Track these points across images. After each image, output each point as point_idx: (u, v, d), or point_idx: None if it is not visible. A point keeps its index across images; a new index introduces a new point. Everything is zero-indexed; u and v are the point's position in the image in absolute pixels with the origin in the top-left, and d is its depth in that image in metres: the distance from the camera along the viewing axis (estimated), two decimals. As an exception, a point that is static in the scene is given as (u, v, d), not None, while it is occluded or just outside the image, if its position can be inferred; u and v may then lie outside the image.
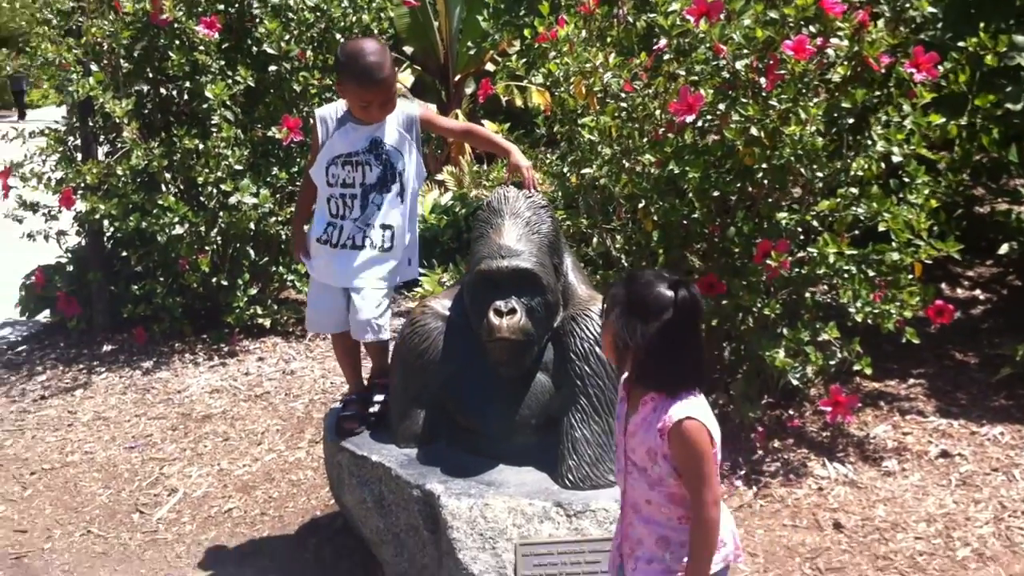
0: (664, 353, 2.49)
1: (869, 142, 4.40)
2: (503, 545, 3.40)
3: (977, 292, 6.45)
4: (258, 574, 4.07)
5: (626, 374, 2.65)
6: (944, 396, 5.13)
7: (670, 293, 2.47)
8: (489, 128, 9.91)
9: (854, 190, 4.46)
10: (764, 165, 4.35)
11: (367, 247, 3.83)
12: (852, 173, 4.41)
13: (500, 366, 3.63)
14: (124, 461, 5.09)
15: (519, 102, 9.65)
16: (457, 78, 10.15)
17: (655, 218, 4.66)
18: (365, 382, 4.13)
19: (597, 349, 3.60)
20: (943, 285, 6.41)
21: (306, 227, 4.11)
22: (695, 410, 2.48)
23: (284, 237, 6.77)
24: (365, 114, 3.81)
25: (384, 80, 3.74)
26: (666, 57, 4.58)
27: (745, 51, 4.28)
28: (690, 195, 4.54)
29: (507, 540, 3.41)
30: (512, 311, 3.51)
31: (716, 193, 4.50)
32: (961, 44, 4.66)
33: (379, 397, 4.00)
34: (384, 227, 3.86)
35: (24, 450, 5.29)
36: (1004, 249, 6.26)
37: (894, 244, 4.37)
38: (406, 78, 10.46)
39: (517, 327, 3.50)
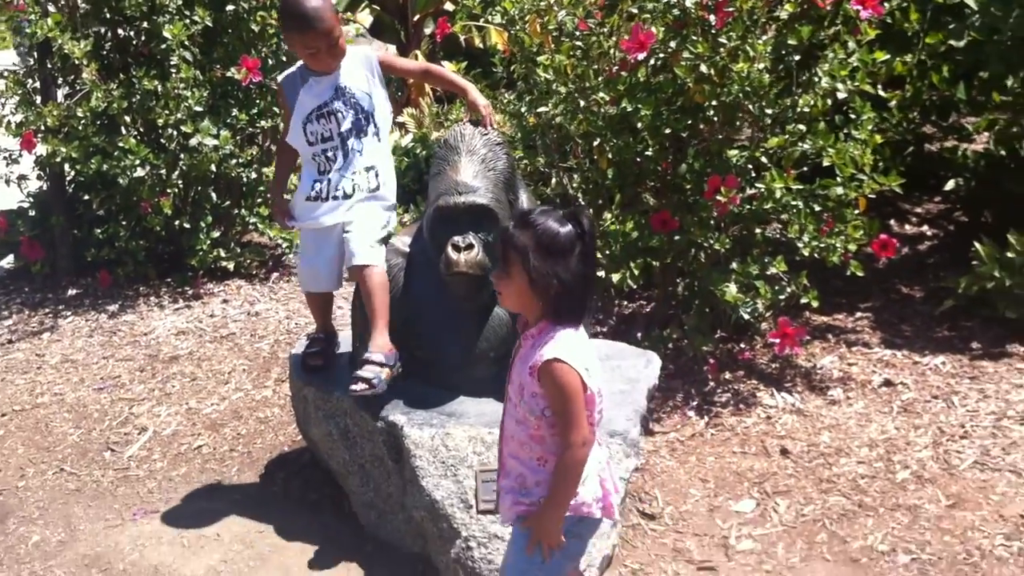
0: (581, 286, 2.57)
1: (815, 79, 4.51)
2: (464, 472, 3.54)
3: (925, 228, 6.62)
4: (228, 507, 4.17)
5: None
6: (889, 328, 5.30)
7: (572, 227, 2.52)
8: (448, 69, 9.94)
9: (802, 127, 4.58)
10: (714, 102, 4.45)
11: (355, 192, 3.90)
12: (799, 110, 4.51)
13: (459, 300, 3.75)
14: (93, 402, 5.18)
15: (478, 42, 9.66)
16: (416, 18, 10.11)
17: (609, 156, 4.76)
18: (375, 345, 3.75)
19: (552, 283, 3.71)
20: (891, 221, 6.58)
21: (287, 195, 4.15)
22: (568, 350, 2.52)
23: (245, 180, 6.82)
24: (316, 62, 3.86)
25: (323, 24, 3.76)
26: (617, -5, 4.66)
27: (695, -11, 4.37)
28: (643, 133, 4.63)
29: (468, 467, 3.55)
30: (470, 246, 3.62)
31: (668, 131, 4.60)
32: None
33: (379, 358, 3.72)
34: (368, 169, 3.93)
35: (-7, 392, 5.38)
36: (950, 185, 6.45)
37: (839, 179, 4.50)
38: (365, 18, 10.41)
39: (475, 261, 3.61)
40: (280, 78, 4.04)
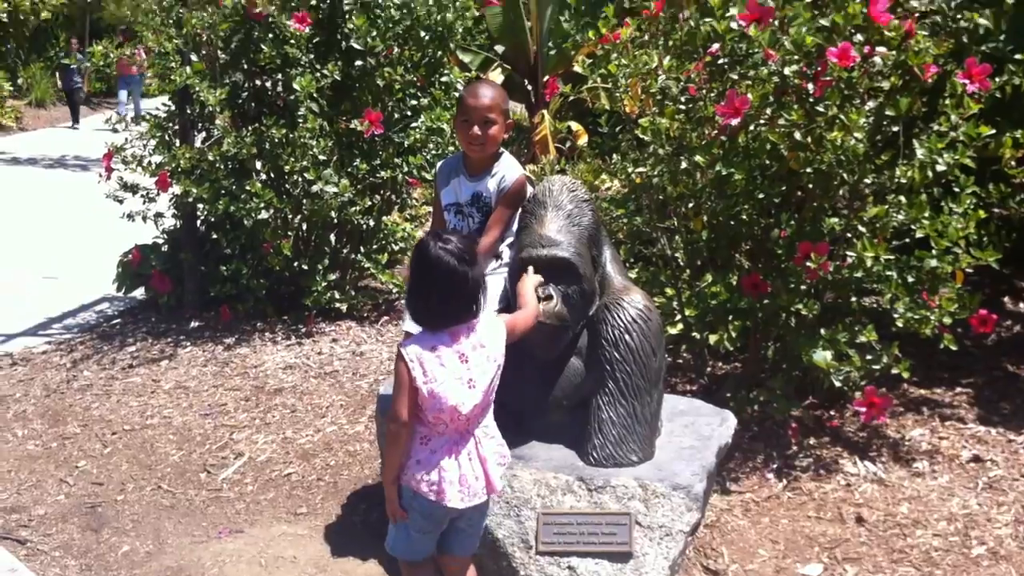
0: (424, 299, 3.24)
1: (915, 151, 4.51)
2: (527, 513, 3.64)
3: (1040, 308, 6.46)
4: (309, 533, 4.36)
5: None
6: (987, 405, 5.18)
7: (436, 251, 3.19)
8: (577, 130, 10.13)
9: (901, 198, 4.57)
10: (808, 170, 4.48)
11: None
12: (896, 180, 4.51)
13: (536, 349, 3.86)
14: (198, 426, 5.46)
15: (604, 103, 9.86)
16: (546, 78, 10.39)
17: (705, 218, 4.83)
18: None
19: (627, 337, 3.81)
20: (1005, 298, 6.43)
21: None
22: (410, 345, 3.20)
23: (364, 227, 7.11)
24: (467, 141, 4.04)
25: (480, 99, 3.97)
26: (720, 61, 4.74)
27: (795, 57, 4.43)
28: (737, 196, 4.69)
29: (531, 509, 3.64)
30: (549, 297, 3.74)
31: (761, 195, 4.64)
32: (1019, 57, 4.75)
33: None
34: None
35: (108, 412, 5.70)
36: (1069, 265, 6.27)
37: (933, 252, 4.47)
38: (496, 76, 10.74)
39: (553, 312, 3.73)
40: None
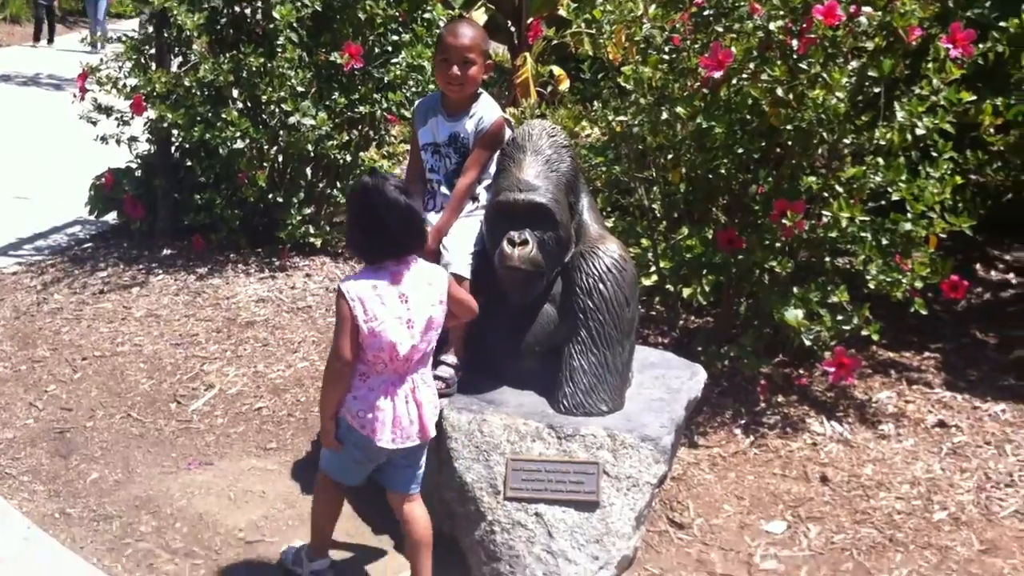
0: (363, 235, 3.33)
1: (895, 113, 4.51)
2: (496, 459, 3.66)
3: (1011, 276, 6.51)
4: (278, 468, 4.38)
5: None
6: (954, 371, 5.25)
7: (368, 189, 3.28)
8: (559, 75, 10.06)
9: (880, 159, 4.58)
10: (789, 127, 4.48)
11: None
12: (876, 142, 4.51)
13: (510, 293, 3.86)
14: (169, 356, 5.44)
15: (588, 49, 9.78)
16: (530, 20, 10.27)
17: (683, 170, 4.83)
18: (452, 350, 3.95)
19: (601, 286, 3.82)
20: (977, 265, 6.49)
21: None
22: (351, 281, 3.29)
23: (341, 161, 7.05)
24: (445, 81, 4.00)
25: (460, 39, 3.94)
26: (706, 13, 4.70)
27: (780, 12, 4.40)
28: (716, 151, 4.69)
29: (500, 454, 3.67)
30: (524, 242, 3.74)
31: (740, 150, 4.64)
32: (1003, 24, 4.74)
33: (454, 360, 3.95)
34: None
35: (79, 337, 5.67)
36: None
37: (909, 215, 4.49)
38: (480, 16, 10.61)
39: (528, 257, 3.73)
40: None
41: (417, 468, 3.53)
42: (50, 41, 20.60)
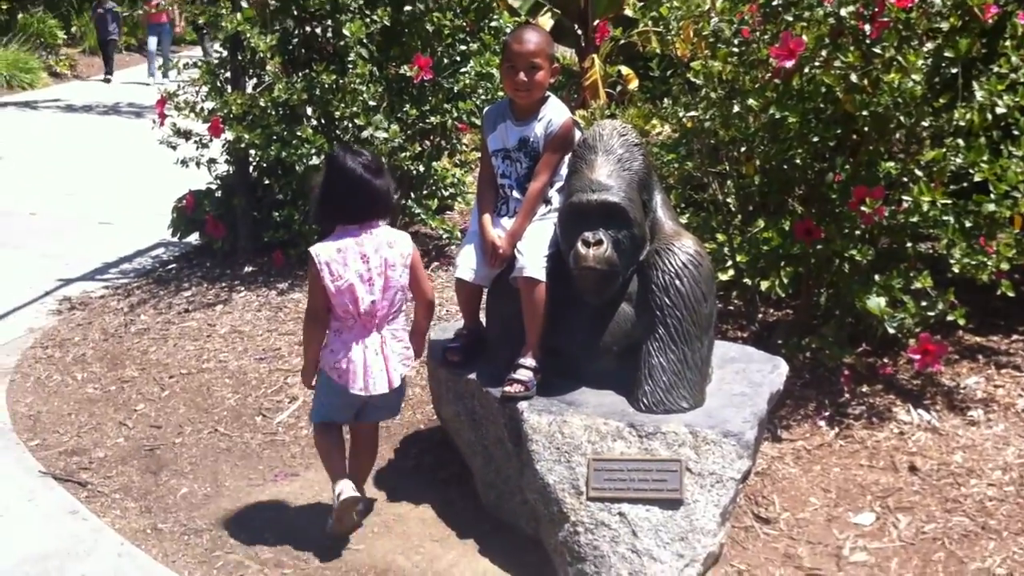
0: (330, 201, 3.82)
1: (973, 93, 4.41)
2: (577, 459, 3.65)
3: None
4: (362, 476, 4.42)
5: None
6: (1045, 353, 5.11)
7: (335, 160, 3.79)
8: (628, 74, 10.02)
9: (960, 141, 4.48)
10: (864, 113, 4.40)
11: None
12: (955, 123, 4.42)
13: (586, 294, 3.86)
14: (253, 370, 5.54)
15: (655, 47, 9.73)
16: (596, 22, 10.26)
17: (757, 162, 4.78)
18: (530, 352, 3.94)
19: (677, 282, 3.80)
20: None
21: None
22: (321, 244, 3.77)
23: (414, 172, 7.12)
24: (513, 88, 4.01)
25: (525, 44, 3.94)
26: (774, 3, 4.65)
27: (851, -2, 4.34)
28: (791, 140, 4.63)
29: (581, 455, 3.66)
30: (599, 242, 3.73)
31: (815, 139, 4.58)
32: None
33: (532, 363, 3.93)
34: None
35: (165, 356, 5.80)
36: None
37: (992, 196, 4.38)
38: (545, 21, 10.63)
39: (603, 257, 3.72)
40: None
41: (393, 412, 4.12)
42: (108, 74, 20.49)
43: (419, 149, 7.07)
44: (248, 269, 7.15)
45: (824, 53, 4.44)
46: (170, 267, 7.50)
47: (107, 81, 20.23)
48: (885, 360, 5.02)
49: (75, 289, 7.14)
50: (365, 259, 3.75)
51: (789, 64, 4.38)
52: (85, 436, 4.92)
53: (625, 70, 10.23)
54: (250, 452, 4.72)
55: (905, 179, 4.59)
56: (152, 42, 20.85)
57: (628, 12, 10.05)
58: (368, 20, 6.63)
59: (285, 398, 5.20)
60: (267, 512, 4.16)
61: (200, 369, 5.60)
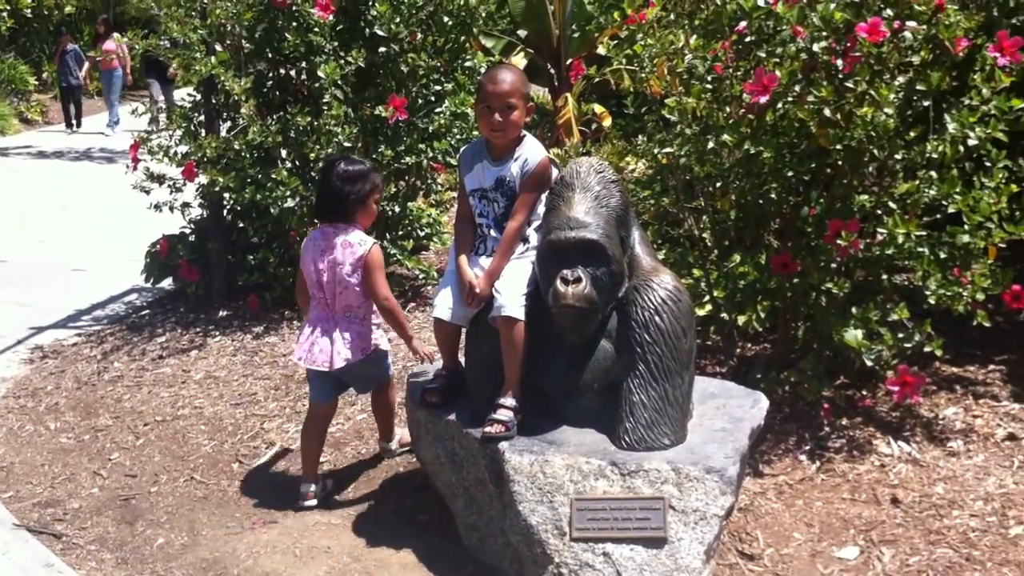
0: (321, 201, 4.58)
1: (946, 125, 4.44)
2: (560, 499, 3.62)
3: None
4: (342, 522, 4.36)
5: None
6: (1021, 382, 5.10)
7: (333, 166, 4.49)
8: (601, 112, 10.08)
9: (933, 173, 4.51)
10: (838, 146, 4.43)
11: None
12: (928, 156, 4.45)
13: (565, 332, 3.84)
14: (229, 416, 5.48)
15: (629, 84, 9.80)
16: (569, 62, 10.33)
17: (732, 197, 4.79)
18: (510, 392, 3.93)
19: (657, 318, 3.78)
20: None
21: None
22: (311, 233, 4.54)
23: (389, 214, 7.10)
24: (488, 128, 4.01)
25: (500, 84, 3.94)
26: (747, 39, 4.69)
27: (823, 33, 4.37)
28: (766, 175, 4.65)
29: (564, 495, 3.62)
30: (578, 280, 3.71)
31: (790, 173, 4.60)
32: (1051, 29, 4.67)
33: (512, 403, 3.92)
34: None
35: (140, 404, 5.74)
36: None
37: (966, 227, 4.41)
38: (519, 60, 10.70)
39: (582, 295, 3.70)
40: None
41: (369, 385, 4.70)
42: (75, 125, 19.54)
43: (394, 189, 7.06)
44: (223, 313, 7.10)
45: (797, 88, 4.46)
46: (143, 313, 7.44)
47: (70, 131, 19.22)
48: (864, 392, 5.02)
49: (47, 337, 7.05)
50: (321, 250, 4.42)
51: (763, 100, 4.40)
52: (59, 487, 4.84)
53: (598, 108, 10.29)
54: (227, 500, 4.65)
55: (879, 212, 4.62)
56: (107, 91, 20.13)
57: (601, 50, 10.16)
58: (343, 62, 6.63)
59: (262, 444, 5.14)
60: (246, 561, 4.08)
61: (175, 416, 5.54)
